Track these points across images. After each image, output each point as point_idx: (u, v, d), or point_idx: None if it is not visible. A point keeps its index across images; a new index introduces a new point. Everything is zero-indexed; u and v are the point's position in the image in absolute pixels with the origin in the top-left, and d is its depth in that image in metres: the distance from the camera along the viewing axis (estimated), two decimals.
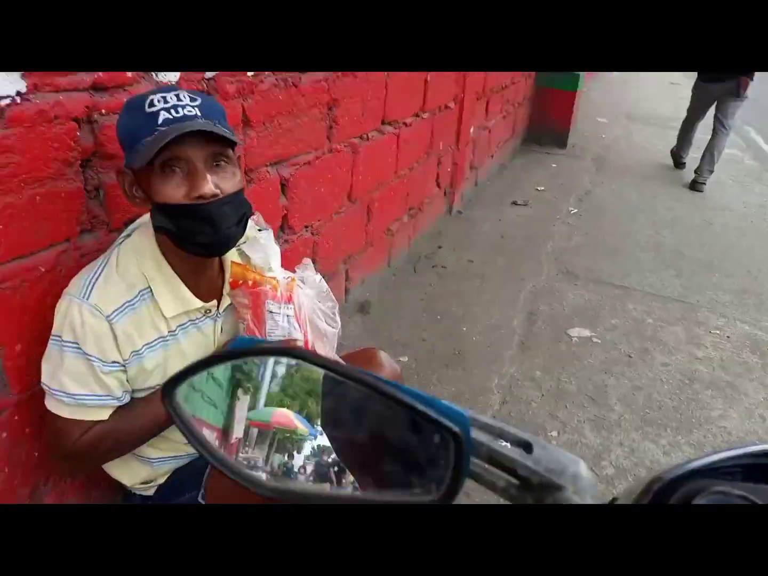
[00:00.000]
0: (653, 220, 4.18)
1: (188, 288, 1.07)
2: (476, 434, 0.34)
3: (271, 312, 1.14)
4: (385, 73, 2.35)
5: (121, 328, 0.99)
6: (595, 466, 1.90)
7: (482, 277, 3.07)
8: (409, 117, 2.74)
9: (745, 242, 3.94)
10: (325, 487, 0.37)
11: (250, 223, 1.23)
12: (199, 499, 1.12)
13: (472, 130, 3.90)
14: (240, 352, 0.36)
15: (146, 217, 1.09)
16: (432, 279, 3.00)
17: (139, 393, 1.07)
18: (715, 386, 2.37)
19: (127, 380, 1.04)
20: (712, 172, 5.06)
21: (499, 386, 2.23)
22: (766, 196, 5.09)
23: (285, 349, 0.34)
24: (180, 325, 1.08)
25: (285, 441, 0.38)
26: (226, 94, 1.45)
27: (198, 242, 0.98)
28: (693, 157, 5.47)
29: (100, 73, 1.09)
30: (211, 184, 0.93)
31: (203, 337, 1.13)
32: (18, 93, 0.97)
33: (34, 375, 1.10)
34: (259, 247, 1.17)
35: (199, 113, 0.93)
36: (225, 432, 0.38)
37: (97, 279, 0.98)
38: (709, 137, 5.07)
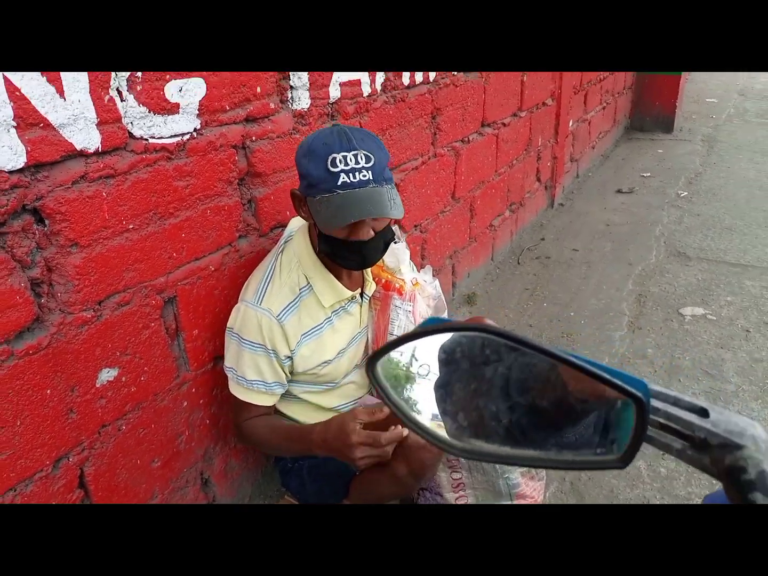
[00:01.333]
0: None
1: (339, 282, 1.32)
2: (654, 401, 0.36)
3: (395, 306, 1.39)
4: (483, 78, 2.53)
5: (288, 325, 1.23)
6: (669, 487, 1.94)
7: (588, 264, 3.14)
8: (507, 117, 2.90)
9: None
10: (509, 448, 0.38)
11: None
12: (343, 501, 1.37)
13: (570, 123, 3.96)
14: (434, 329, 0.37)
15: (294, 222, 1.37)
16: (536, 269, 3.12)
17: (299, 376, 1.32)
18: None
19: (292, 368, 1.29)
20: None
21: (610, 365, 2.30)
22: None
23: (480, 326, 0.37)
24: (334, 311, 1.33)
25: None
26: (347, 114, 1.71)
27: (349, 265, 1.23)
28: None
29: (251, 107, 1.38)
30: (370, 231, 1.15)
31: (351, 317, 1.37)
32: (195, 129, 1.27)
33: (207, 356, 1.40)
34: (392, 253, 1.41)
35: (371, 176, 1.09)
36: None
37: (266, 287, 1.24)
38: None
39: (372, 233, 1.16)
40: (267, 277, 1.26)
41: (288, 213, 1.54)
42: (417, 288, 1.44)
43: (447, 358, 0.39)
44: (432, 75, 2.13)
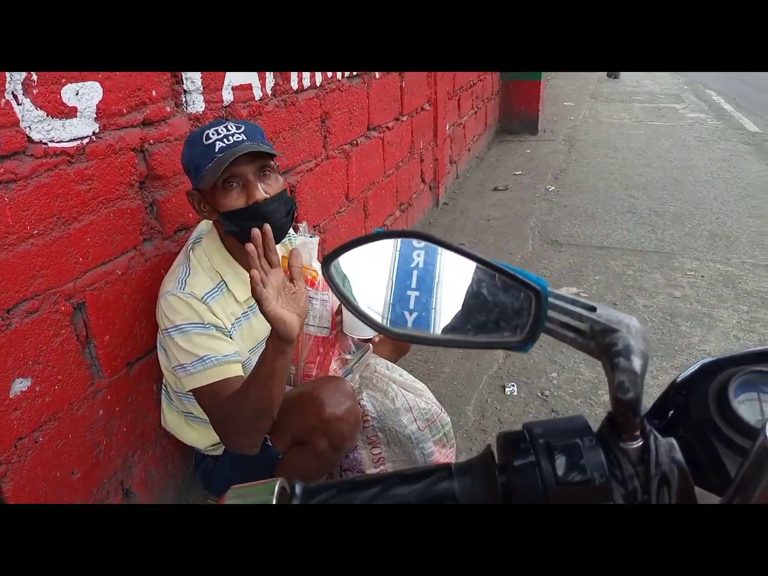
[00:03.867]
0: (626, 185, 4.50)
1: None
2: (552, 300, 0.41)
3: (310, 297, 1.45)
4: (365, 83, 2.67)
5: (215, 307, 1.25)
6: (593, 396, 2.19)
7: None
8: (390, 121, 3.06)
9: (712, 193, 4.26)
10: (437, 333, 0.45)
11: (294, 233, 1.53)
12: (267, 442, 1.34)
13: (447, 127, 4.22)
14: (377, 235, 0.44)
15: (201, 225, 1.39)
16: None
17: None
18: (694, 318, 2.66)
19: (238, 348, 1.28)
20: None
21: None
22: (730, 151, 5.42)
23: (414, 232, 0.44)
24: (250, 307, 1.36)
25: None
26: (240, 116, 1.75)
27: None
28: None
29: (148, 111, 1.39)
30: (261, 191, 1.21)
31: None
32: (93, 133, 1.26)
33: (119, 362, 1.38)
34: (305, 249, 1.47)
35: (244, 137, 1.21)
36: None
37: (186, 276, 1.25)
38: None
39: (265, 194, 1.21)
40: (184, 270, 1.27)
41: (191, 215, 1.56)
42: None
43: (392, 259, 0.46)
44: (318, 79, 2.22)
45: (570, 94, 8.75)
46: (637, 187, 4.47)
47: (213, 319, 1.24)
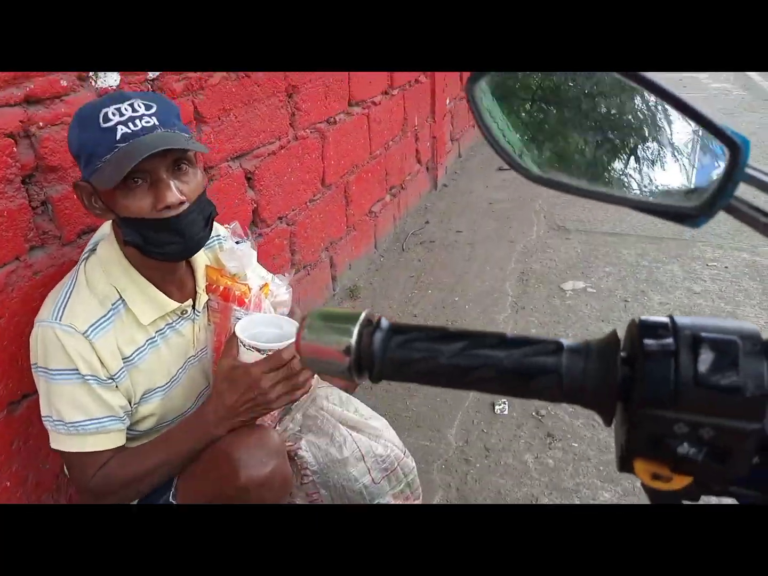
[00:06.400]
0: None
1: (161, 292, 1.06)
2: (750, 170, 0.33)
3: (237, 319, 1.16)
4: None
5: (100, 344, 0.97)
6: (597, 417, 1.91)
7: (472, 245, 3.07)
8: (377, 95, 2.74)
9: None
10: (595, 185, 0.38)
11: (225, 233, 1.25)
12: (171, 500, 1.07)
13: (448, 101, 3.88)
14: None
15: (106, 227, 1.10)
16: (421, 255, 3.01)
17: (136, 425, 1.06)
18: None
19: (123, 403, 1.03)
20: None
21: None
22: (757, 124, 5.01)
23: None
24: (158, 331, 1.07)
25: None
26: (174, 92, 1.46)
27: (167, 252, 0.98)
28: None
29: (32, 85, 1.11)
30: (176, 192, 0.93)
31: (182, 339, 1.11)
32: None
33: None
34: (234, 256, 1.19)
35: (156, 122, 0.92)
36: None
37: (67, 300, 0.97)
38: None
39: (180, 197, 0.93)
40: (67, 291, 0.99)
41: None
42: (266, 293, 1.23)
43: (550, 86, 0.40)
44: None
45: None
46: None
47: (94, 366, 0.96)
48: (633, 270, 2.74)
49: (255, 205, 1.88)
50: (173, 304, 1.07)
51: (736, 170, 0.32)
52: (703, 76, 7.43)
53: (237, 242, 1.24)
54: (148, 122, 0.92)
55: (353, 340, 0.36)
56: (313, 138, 2.20)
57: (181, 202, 0.94)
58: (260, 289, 1.22)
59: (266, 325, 1.12)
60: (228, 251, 1.21)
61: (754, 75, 7.36)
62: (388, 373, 0.37)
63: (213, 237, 1.20)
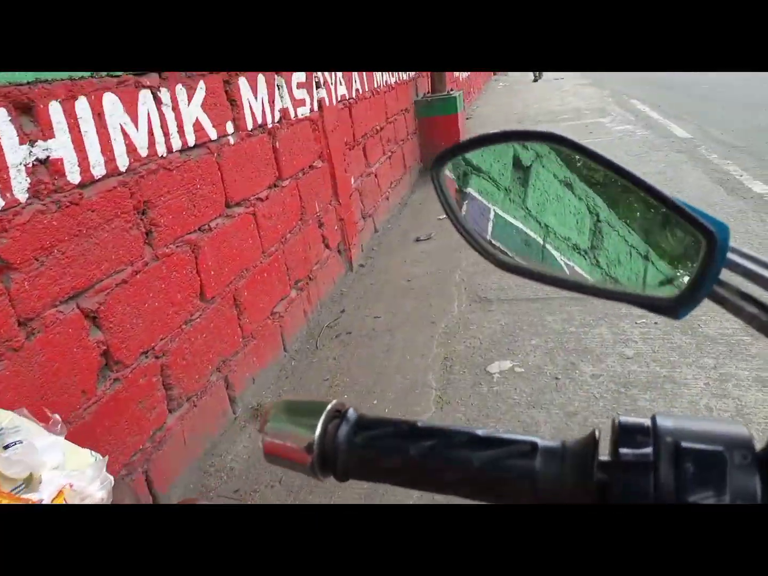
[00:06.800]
0: None
1: None
2: (732, 256, 0.31)
3: None
4: (213, 153, 2.14)
5: None
6: None
7: (391, 332, 2.84)
8: (262, 191, 2.53)
9: None
10: (561, 272, 0.38)
11: (15, 421, 0.98)
12: None
13: (353, 180, 3.74)
14: (503, 135, 0.36)
15: None
16: (336, 351, 2.75)
17: None
18: (653, 385, 2.16)
19: None
20: None
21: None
22: (663, 162, 5.12)
23: (548, 134, 0.34)
24: None
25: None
26: None
27: None
28: None
29: None
30: None
31: None
32: None
33: None
34: (22, 455, 0.92)
35: None
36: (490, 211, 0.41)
37: None
38: None
39: None
40: None
41: None
42: (60, 502, 0.94)
43: (518, 166, 0.40)
44: (123, 161, 1.68)
45: (496, 122, 8.49)
46: None
47: None
48: (560, 339, 2.55)
49: (105, 347, 1.59)
50: None
51: (714, 263, 0.31)
52: (606, 121, 7.70)
53: (16, 431, 0.96)
54: None
55: (316, 436, 0.35)
56: (182, 253, 1.95)
57: None
58: (52, 501, 0.93)
59: None
60: (11, 451, 0.93)
61: (654, 114, 7.69)
62: (353, 472, 0.36)
63: None
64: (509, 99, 10.68)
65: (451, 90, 6.06)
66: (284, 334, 2.68)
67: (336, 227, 3.42)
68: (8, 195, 1.31)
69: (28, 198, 1.37)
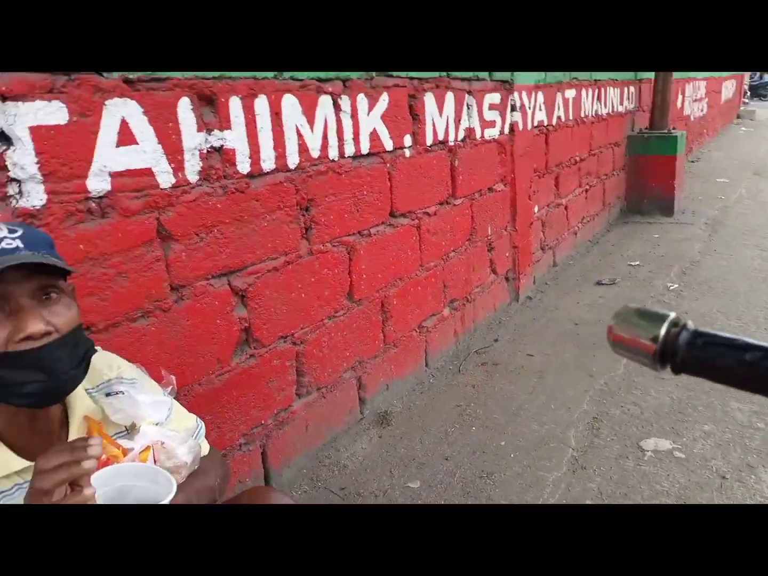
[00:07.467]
0: None
1: (17, 445, 0.88)
2: None
3: None
4: (386, 163, 2.17)
5: None
6: None
7: (540, 375, 2.62)
8: (432, 206, 2.51)
9: None
10: None
11: (133, 373, 1.07)
12: None
13: (536, 208, 3.56)
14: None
15: None
16: (478, 378, 2.61)
17: None
18: None
19: None
20: None
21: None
22: None
23: None
24: (6, 493, 0.87)
25: None
26: (129, 210, 1.33)
27: (26, 392, 0.81)
28: None
29: None
30: (41, 322, 0.79)
31: None
32: None
33: None
34: (121, 403, 1.00)
35: (21, 244, 0.81)
36: None
37: None
38: None
39: (46, 327, 0.79)
40: None
41: None
42: (143, 458, 0.98)
43: None
44: (294, 162, 1.77)
45: (727, 169, 7.50)
46: None
47: None
48: (742, 433, 2.12)
49: (246, 324, 1.68)
50: (21, 463, 0.88)
51: None
52: None
53: (131, 384, 1.04)
54: (10, 243, 0.80)
55: (662, 330, 0.42)
56: (336, 252, 2.00)
57: (47, 333, 0.79)
58: (139, 453, 0.98)
59: (136, 478, 0.90)
60: (123, 397, 1.01)
61: None
62: (690, 367, 0.41)
63: (105, 379, 1.02)
64: (750, 144, 9.38)
65: (674, 128, 5.48)
66: (428, 350, 2.62)
67: (508, 254, 3.27)
68: (180, 174, 1.43)
69: (198, 180, 1.49)
